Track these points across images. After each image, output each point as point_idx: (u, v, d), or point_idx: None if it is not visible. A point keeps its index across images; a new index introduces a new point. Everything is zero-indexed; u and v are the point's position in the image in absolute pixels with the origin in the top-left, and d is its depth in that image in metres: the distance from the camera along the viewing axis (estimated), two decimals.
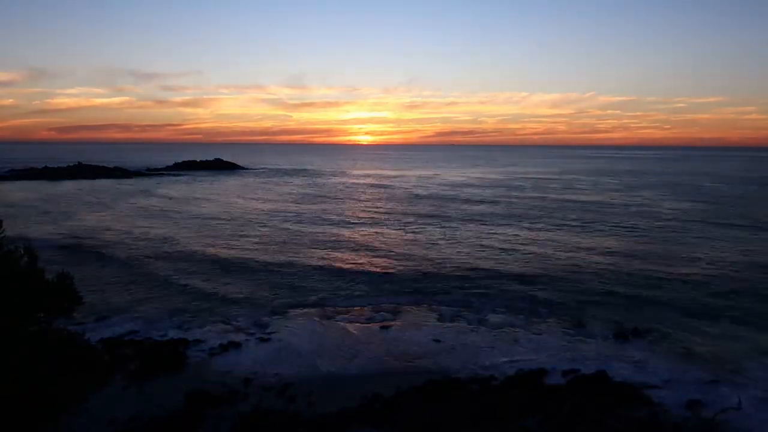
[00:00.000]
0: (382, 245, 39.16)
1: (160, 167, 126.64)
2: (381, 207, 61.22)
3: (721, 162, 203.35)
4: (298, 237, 42.17)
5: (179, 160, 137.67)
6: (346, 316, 23.88)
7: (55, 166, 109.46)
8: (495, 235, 42.77)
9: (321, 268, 32.30)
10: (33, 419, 8.52)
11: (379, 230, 45.59)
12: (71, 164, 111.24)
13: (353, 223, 49.19)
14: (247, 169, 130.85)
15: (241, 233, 43.48)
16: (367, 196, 73.12)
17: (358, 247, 38.45)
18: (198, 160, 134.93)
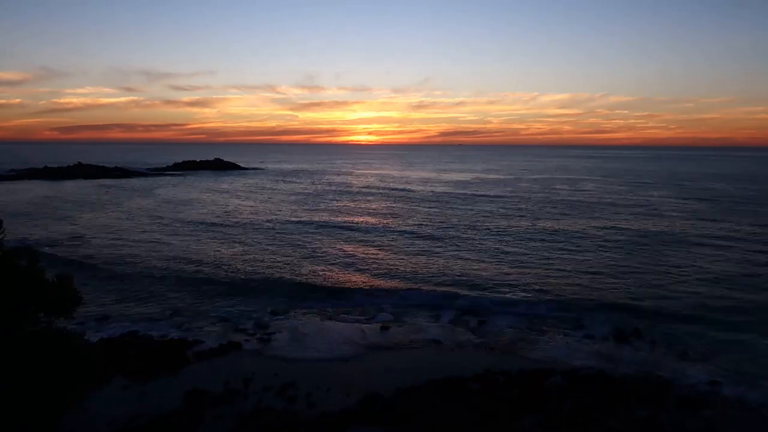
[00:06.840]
0: (382, 246, 39.14)
1: (160, 167, 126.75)
2: (377, 207, 61.18)
3: (724, 162, 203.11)
4: (296, 237, 42.15)
5: (179, 160, 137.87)
6: (347, 316, 23.90)
7: (56, 166, 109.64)
8: (494, 236, 42.74)
9: (320, 268, 32.28)
10: (33, 419, 8.51)
11: (377, 231, 45.55)
12: (71, 164, 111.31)
13: (351, 223, 49.13)
14: (247, 169, 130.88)
15: (241, 233, 43.44)
16: (363, 197, 73.03)
17: (357, 248, 38.42)
18: (198, 160, 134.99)
